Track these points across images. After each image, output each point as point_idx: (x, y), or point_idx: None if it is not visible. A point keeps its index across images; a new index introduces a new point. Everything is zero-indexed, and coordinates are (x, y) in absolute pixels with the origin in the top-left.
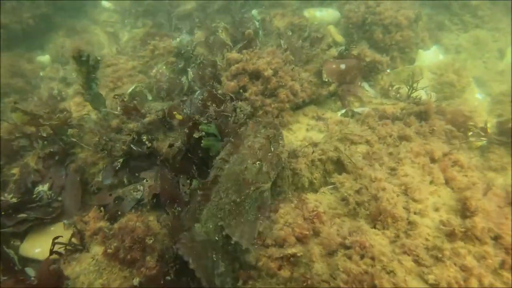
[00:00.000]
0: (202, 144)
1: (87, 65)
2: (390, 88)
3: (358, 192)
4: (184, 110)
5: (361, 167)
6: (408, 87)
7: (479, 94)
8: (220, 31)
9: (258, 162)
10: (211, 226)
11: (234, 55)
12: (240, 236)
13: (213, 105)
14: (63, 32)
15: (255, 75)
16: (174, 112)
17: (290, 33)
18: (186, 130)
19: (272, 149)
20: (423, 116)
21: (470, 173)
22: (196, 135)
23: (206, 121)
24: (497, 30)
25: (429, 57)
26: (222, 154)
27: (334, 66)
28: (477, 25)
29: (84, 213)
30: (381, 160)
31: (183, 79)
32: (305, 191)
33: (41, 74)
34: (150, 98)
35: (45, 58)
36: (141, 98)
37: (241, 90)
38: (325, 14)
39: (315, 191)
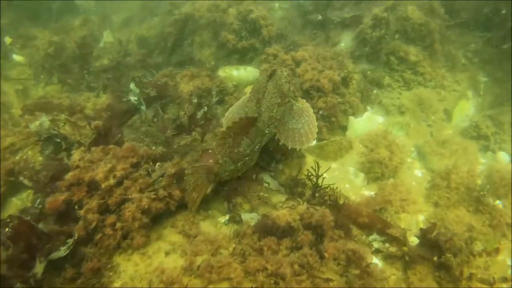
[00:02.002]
0: None
1: None
2: (292, 182)
3: None
4: None
5: None
6: (313, 182)
7: (419, 171)
8: (62, 124)
9: (288, 83)
10: (266, 115)
11: (77, 155)
12: (286, 139)
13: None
14: None
15: (95, 186)
16: None
17: (196, 100)
18: None
19: (294, 79)
20: (319, 231)
21: None
22: None
23: None
24: (442, 88)
25: (362, 125)
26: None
27: (211, 160)
28: (419, 83)
29: None
30: None
31: None
32: None
33: None
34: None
35: None
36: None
37: (76, 206)
38: (243, 73)
39: None
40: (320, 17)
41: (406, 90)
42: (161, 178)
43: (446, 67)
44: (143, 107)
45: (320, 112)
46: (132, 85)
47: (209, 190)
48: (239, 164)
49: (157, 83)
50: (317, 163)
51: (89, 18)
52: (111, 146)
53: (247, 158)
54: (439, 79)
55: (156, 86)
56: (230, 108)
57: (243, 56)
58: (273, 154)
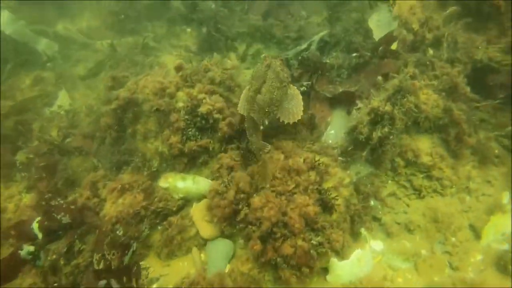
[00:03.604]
0: None
1: None
2: None
3: None
4: None
5: None
6: None
7: None
8: None
9: (282, 71)
10: (267, 96)
11: None
12: (282, 116)
13: None
14: None
15: None
16: None
17: (121, 232)
18: None
19: (285, 69)
20: None
21: None
22: None
23: None
24: (467, 192)
25: (349, 270)
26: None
27: None
28: (435, 190)
29: None
30: None
31: None
32: None
33: None
34: None
35: None
36: None
37: None
38: (192, 186)
39: None
40: (304, 87)
41: (416, 199)
42: None
43: (473, 162)
44: (40, 262)
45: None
46: (34, 226)
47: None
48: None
49: (70, 207)
50: None
51: (41, 76)
52: None
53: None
54: (463, 180)
55: (69, 211)
56: (239, 102)
57: (193, 160)
58: None
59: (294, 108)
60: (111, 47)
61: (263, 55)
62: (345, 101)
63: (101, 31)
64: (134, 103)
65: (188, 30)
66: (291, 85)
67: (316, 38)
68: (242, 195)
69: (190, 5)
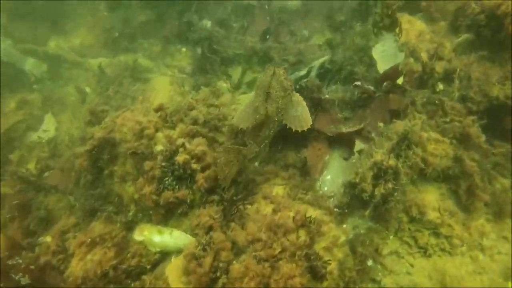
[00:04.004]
0: None
1: None
2: None
3: None
4: None
5: None
6: None
7: None
8: None
9: (285, 79)
10: (273, 106)
11: None
12: (290, 123)
13: None
14: None
15: None
16: None
17: None
18: None
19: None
20: None
21: None
22: None
23: None
24: (481, 250)
25: None
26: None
27: None
28: (443, 249)
29: None
30: None
31: None
32: None
33: None
34: None
35: None
36: None
37: None
38: (169, 241)
39: None
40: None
41: (421, 258)
42: None
43: (487, 214)
44: None
45: None
46: None
47: (235, 170)
48: (261, 146)
49: (30, 267)
50: None
51: (27, 99)
52: None
53: (266, 141)
54: (475, 237)
55: (29, 272)
56: (239, 109)
57: (171, 210)
58: None
59: (304, 114)
60: (99, 69)
61: (267, 65)
62: (345, 142)
63: (95, 49)
64: (111, 143)
65: (183, 49)
66: (294, 93)
67: (316, 64)
68: (221, 264)
69: (185, 24)
